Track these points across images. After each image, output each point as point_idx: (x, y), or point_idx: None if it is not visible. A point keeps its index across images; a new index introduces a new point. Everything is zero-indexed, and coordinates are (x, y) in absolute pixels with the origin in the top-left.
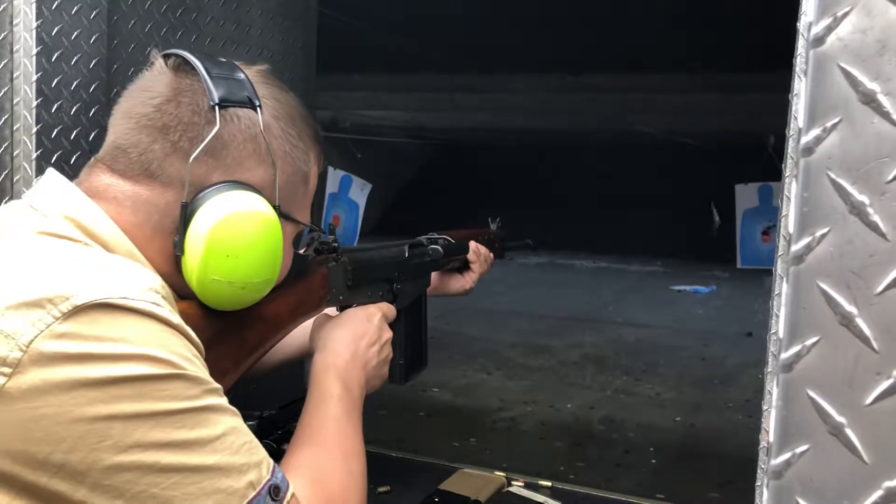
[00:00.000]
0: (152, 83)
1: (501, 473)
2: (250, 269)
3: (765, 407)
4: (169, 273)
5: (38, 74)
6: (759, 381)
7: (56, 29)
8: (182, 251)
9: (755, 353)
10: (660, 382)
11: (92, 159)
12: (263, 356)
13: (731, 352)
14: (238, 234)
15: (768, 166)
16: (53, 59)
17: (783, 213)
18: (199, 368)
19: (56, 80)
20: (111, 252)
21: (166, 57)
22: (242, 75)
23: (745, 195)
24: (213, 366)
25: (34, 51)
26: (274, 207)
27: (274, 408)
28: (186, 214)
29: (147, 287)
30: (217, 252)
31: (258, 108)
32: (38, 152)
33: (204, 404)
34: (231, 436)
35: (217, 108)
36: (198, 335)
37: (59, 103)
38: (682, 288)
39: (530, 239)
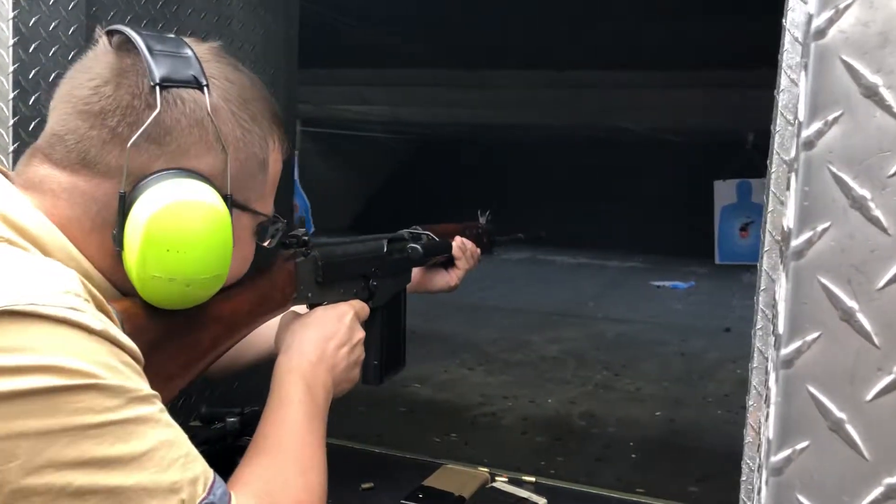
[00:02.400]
0: (93, 63)
1: (485, 469)
2: (195, 264)
3: (750, 402)
4: (111, 270)
5: (15, 66)
6: (737, 375)
7: (33, 19)
8: (121, 246)
9: (734, 348)
10: (639, 377)
11: (30, 148)
12: (221, 357)
13: (710, 347)
14: (179, 226)
15: (747, 163)
16: (31, 50)
17: (769, 209)
18: (125, 376)
19: (33, 72)
20: (42, 248)
21: (110, 34)
22: (189, 52)
23: (724, 191)
24: (159, 369)
25: (10, 41)
26: (224, 197)
27: (257, 405)
28: (125, 206)
29: (63, 290)
30: (156, 246)
31: (205, 89)
32: (15, 145)
33: (126, 416)
34: (160, 450)
35: (158, 88)
36: (142, 336)
37: (36, 95)
38: (661, 284)
39: (521, 234)
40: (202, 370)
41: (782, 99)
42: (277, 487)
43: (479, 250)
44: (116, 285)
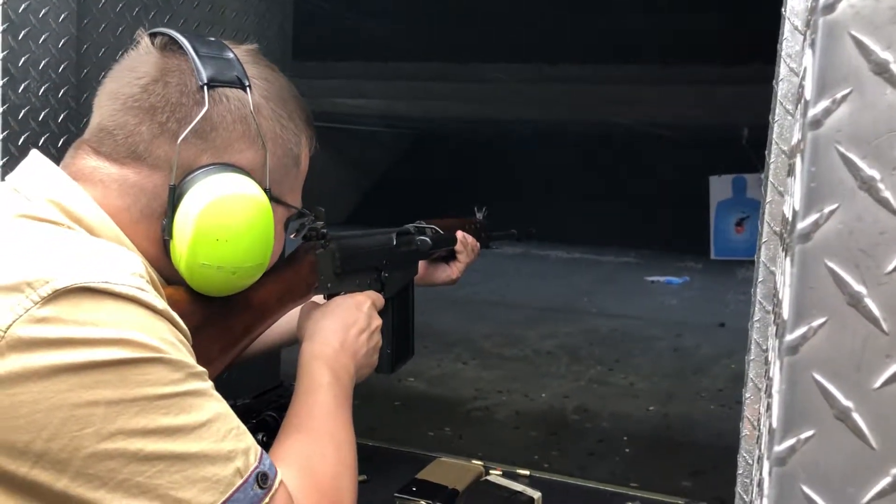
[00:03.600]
0: (138, 63)
1: (479, 462)
2: (241, 253)
3: (747, 395)
4: (157, 258)
5: (4, 53)
6: (731, 371)
7: (23, 6)
8: (170, 235)
9: (728, 343)
10: (633, 372)
11: (77, 141)
12: (251, 344)
13: (704, 342)
14: (228, 217)
15: (742, 158)
16: (20, 38)
17: (768, 200)
18: (183, 353)
19: (23, 60)
20: (97, 236)
21: (153, 36)
22: (231, 55)
23: (719, 187)
24: (201, 353)
25: (0, 28)
26: (265, 190)
27: (248, 397)
28: (175, 198)
29: (131, 271)
30: (206, 236)
31: (248, 89)
32: (5, 133)
33: (188, 389)
34: (217, 422)
35: (206, 88)
36: (185, 321)
37: (26, 83)
38: (655, 279)
39: (515, 229)
40: (237, 354)
41: (781, 88)
42: (314, 461)
43: (478, 245)
44: (160, 272)
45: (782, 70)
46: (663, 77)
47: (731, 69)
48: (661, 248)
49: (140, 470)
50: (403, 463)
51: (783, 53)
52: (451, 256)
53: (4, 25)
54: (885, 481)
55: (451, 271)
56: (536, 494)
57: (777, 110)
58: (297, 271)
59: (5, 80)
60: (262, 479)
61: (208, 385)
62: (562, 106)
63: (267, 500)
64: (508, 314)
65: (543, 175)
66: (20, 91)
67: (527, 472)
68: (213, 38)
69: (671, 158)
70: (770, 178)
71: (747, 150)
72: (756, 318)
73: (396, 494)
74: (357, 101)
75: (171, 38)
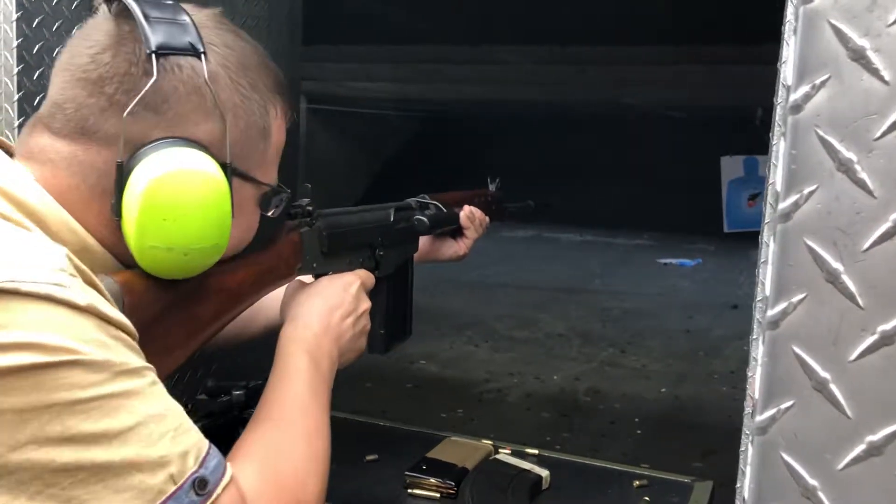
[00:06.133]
0: (92, 31)
1: (489, 442)
2: (192, 233)
3: (750, 373)
4: (111, 241)
5: (19, 41)
6: (743, 353)
7: None
8: (119, 215)
9: (740, 325)
10: (645, 354)
11: (32, 118)
12: (225, 328)
13: (716, 324)
14: (176, 195)
15: (754, 139)
16: (34, 25)
17: (771, 181)
18: (112, 351)
19: (37, 47)
20: (39, 220)
21: (109, 2)
22: (187, 19)
23: (731, 167)
24: (161, 340)
25: (14, 16)
26: (224, 165)
27: (262, 379)
28: (122, 175)
29: (49, 267)
30: (153, 215)
31: (202, 56)
32: (20, 120)
33: (114, 390)
34: (149, 424)
35: (154, 56)
36: (143, 308)
37: (40, 70)
38: (668, 261)
39: (531, 201)
40: (205, 341)
41: (785, 70)
42: (280, 455)
43: (487, 219)
44: (118, 256)
45: (785, 52)
46: (675, 57)
47: (743, 49)
48: (673, 230)
49: (54, 481)
50: (414, 442)
51: (787, 35)
52: (458, 231)
53: (19, 13)
54: (859, 448)
55: (458, 247)
56: (545, 473)
57: (780, 92)
58: (278, 251)
59: (20, 67)
60: (201, 486)
61: (144, 382)
62: (573, 87)
63: None
64: (520, 296)
65: (555, 157)
66: (35, 78)
67: (535, 452)
68: (170, 2)
69: (684, 140)
70: (772, 160)
71: (760, 131)
72: (759, 298)
73: (407, 472)
74: (367, 83)
75: (126, 5)
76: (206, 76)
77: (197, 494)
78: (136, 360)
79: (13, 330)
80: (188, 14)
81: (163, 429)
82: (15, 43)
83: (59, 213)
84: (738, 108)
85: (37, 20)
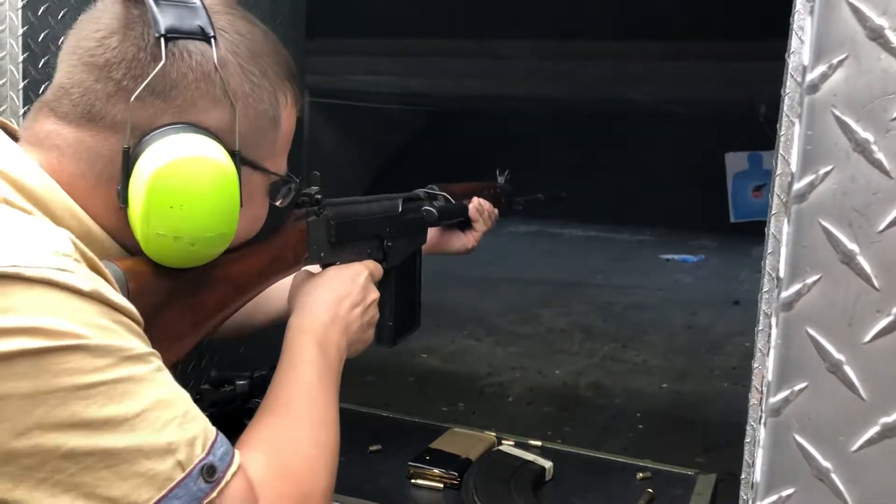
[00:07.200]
0: (101, 14)
1: (492, 433)
2: (199, 222)
3: (755, 365)
4: (116, 228)
5: (25, 28)
6: (745, 348)
7: None
8: (125, 202)
9: (742, 321)
10: (647, 350)
11: (37, 102)
12: (231, 317)
13: (718, 320)
14: (183, 182)
15: (758, 135)
16: (40, 13)
17: (778, 172)
18: (117, 336)
19: (43, 35)
20: (43, 206)
21: None
22: (198, 2)
23: (735, 162)
24: (167, 328)
25: (20, 4)
26: (232, 153)
27: (265, 368)
28: (129, 161)
29: (52, 251)
30: (159, 202)
31: (212, 41)
32: (26, 108)
33: (119, 375)
34: (155, 410)
35: (163, 40)
36: (149, 295)
37: (46, 58)
38: (670, 257)
39: (541, 194)
40: (211, 330)
41: (793, 61)
42: (287, 444)
43: (496, 211)
44: (123, 244)
45: (794, 43)
46: (678, 52)
47: (747, 45)
48: (675, 227)
49: (61, 467)
50: (417, 433)
51: (795, 26)
52: (466, 224)
53: (24, 1)
54: (873, 430)
55: (467, 240)
56: (548, 464)
57: (788, 83)
58: (284, 241)
59: (25, 55)
60: (209, 473)
61: (150, 368)
62: (577, 82)
63: (214, 494)
64: (522, 291)
65: (558, 152)
66: (40, 66)
67: (539, 443)
68: None
69: (687, 136)
70: (780, 151)
71: (763, 127)
72: (765, 290)
73: (410, 463)
74: (371, 77)
75: None
76: (216, 62)
77: (205, 482)
78: (142, 345)
79: (15, 315)
80: None
81: (169, 415)
82: (20, 31)
83: (63, 200)
84: (742, 104)
85: (42, 8)
